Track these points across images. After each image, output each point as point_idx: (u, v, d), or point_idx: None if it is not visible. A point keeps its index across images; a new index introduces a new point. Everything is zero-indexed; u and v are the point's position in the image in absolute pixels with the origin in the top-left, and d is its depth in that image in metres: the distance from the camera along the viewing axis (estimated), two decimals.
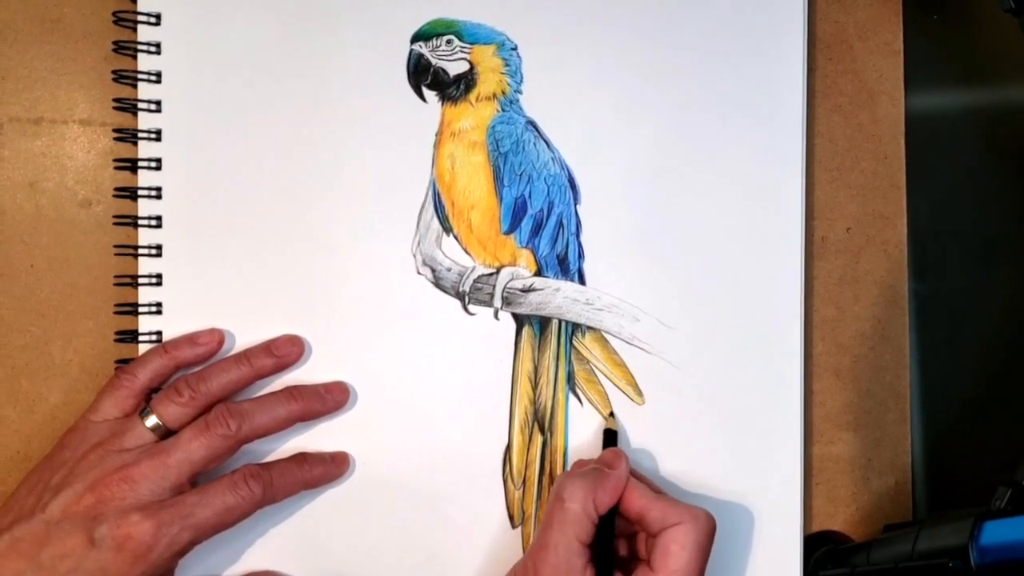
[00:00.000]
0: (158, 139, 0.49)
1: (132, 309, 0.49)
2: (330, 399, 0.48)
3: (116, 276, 0.49)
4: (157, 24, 0.49)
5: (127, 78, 0.49)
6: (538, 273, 0.51)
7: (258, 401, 0.47)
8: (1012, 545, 0.42)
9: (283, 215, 0.49)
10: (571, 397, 0.51)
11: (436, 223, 0.50)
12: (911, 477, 0.54)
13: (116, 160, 0.49)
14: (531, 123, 0.51)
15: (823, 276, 0.54)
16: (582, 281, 0.51)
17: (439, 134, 0.50)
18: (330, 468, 0.48)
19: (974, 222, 0.56)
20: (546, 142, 0.51)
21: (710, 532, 0.44)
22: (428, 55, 0.50)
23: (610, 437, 0.49)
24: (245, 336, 0.49)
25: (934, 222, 0.55)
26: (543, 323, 0.51)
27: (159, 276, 0.49)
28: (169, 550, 0.43)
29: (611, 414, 0.50)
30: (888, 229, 0.54)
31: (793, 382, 0.51)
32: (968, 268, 0.56)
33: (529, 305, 0.50)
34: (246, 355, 0.47)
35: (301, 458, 0.48)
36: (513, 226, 0.51)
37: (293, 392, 0.47)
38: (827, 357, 0.53)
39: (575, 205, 0.51)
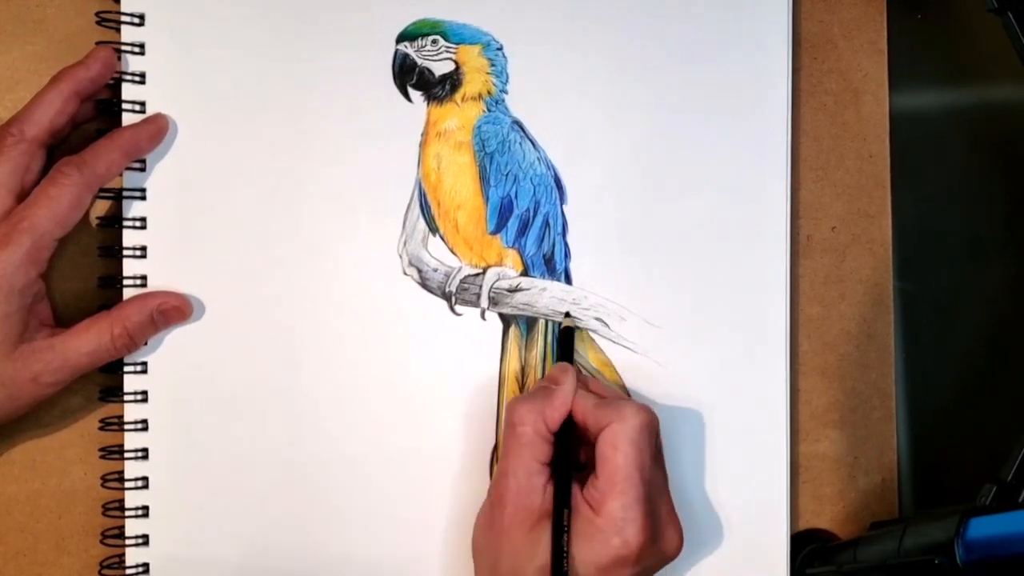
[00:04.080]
0: None
1: None
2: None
3: (100, 277, 0.49)
4: (141, 24, 0.48)
5: (111, 79, 0.48)
6: (524, 273, 0.51)
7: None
8: (997, 541, 0.42)
9: (268, 215, 0.49)
10: None
11: (422, 223, 0.50)
12: (897, 475, 0.54)
13: None
14: (517, 123, 0.50)
15: (808, 275, 0.54)
16: (568, 281, 0.51)
17: (425, 134, 0.50)
18: (140, 128, 0.47)
19: (959, 221, 0.56)
20: (532, 142, 0.51)
21: (642, 425, 0.43)
22: (413, 55, 0.50)
23: (567, 336, 0.49)
24: (231, 336, 0.49)
25: (919, 221, 0.55)
26: (530, 323, 0.51)
27: (144, 278, 0.48)
28: (11, 262, 0.43)
29: (567, 314, 0.50)
30: (873, 228, 0.54)
31: (779, 380, 0.51)
32: (953, 267, 0.56)
33: (516, 305, 0.50)
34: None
35: (110, 132, 0.47)
36: (499, 226, 0.50)
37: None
38: (813, 356, 0.54)
39: (561, 205, 0.51)
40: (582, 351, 0.51)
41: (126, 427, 0.48)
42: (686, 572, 0.51)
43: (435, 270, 0.50)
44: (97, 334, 0.46)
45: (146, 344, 0.48)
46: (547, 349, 0.51)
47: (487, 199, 0.50)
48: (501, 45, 0.50)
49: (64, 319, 0.48)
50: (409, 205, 0.50)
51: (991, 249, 0.56)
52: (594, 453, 0.45)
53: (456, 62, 0.50)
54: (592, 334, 0.51)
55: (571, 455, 0.45)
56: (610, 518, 0.42)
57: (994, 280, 0.56)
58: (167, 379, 0.49)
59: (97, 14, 0.48)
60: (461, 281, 0.50)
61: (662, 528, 0.44)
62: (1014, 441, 0.46)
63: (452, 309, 0.50)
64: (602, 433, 0.43)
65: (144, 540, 0.48)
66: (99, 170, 0.46)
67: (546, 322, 0.51)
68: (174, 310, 0.48)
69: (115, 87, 0.48)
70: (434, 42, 0.50)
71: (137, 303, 0.47)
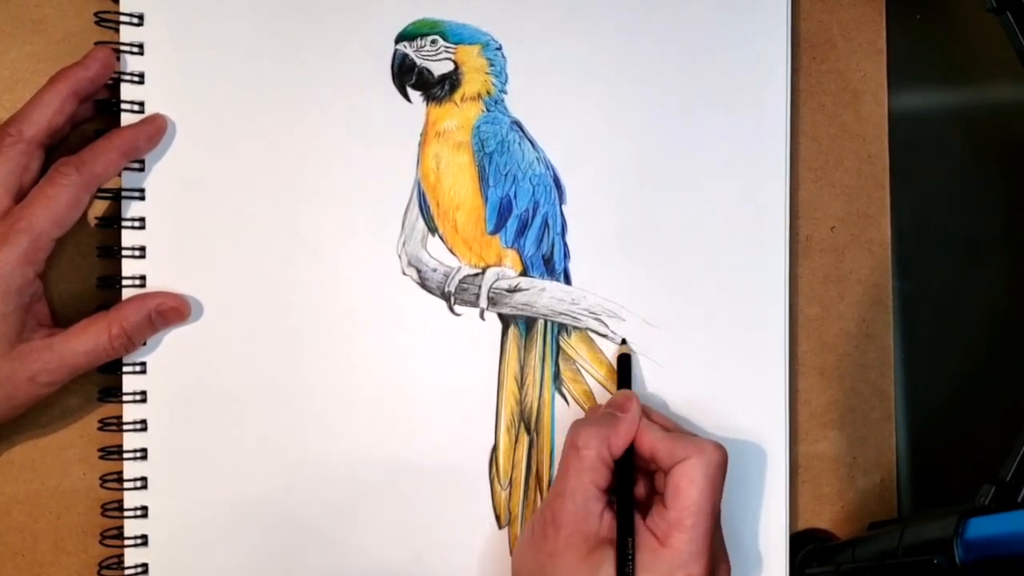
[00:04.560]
0: None
1: None
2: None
3: (99, 277, 0.49)
4: (140, 24, 0.48)
5: (110, 79, 0.48)
6: (524, 273, 0.51)
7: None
8: (996, 541, 0.42)
9: (268, 216, 0.49)
10: (557, 397, 0.51)
11: (421, 223, 0.50)
12: (896, 475, 0.54)
13: None
14: (516, 123, 0.50)
15: (807, 275, 0.54)
16: (568, 281, 0.51)
17: (424, 134, 0.50)
18: (138, 128, 0.47)
19: (958, 221, 0.56)
20: (531, 142, 0.51)
21: (719, 463, 0.44)
22: (413, 55, 0.50)
23: (624, 363, 0.49)
24: (230, 337, 0.49)
25: (918, 221, 0.55)
26: (529, 323, 0.51)
27: (143, 278, 0.48)
28: (8, 262, 0.44)
29: (624, 341, 0.50)
30: (872, 228, 0.54)
31: (778, 380, 0.51)
32: (952, 266, 0.56)
33: (515, 305, 0.50)
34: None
35: (108, 132, 0.47)
36: (498, 226, 0.50)
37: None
38: (812, 356, 0.54)
39: (560, 205, 0.51)
40: (581, 351, 0.51)
41: (125, 427, 0.48)
42: None
43: (434, 270, 0.50)
44: (95, 334, 0.46)
45: (144, 344, 0.48)
46: (546, 349, 0.51)
47: (486, 199, 0.50)
48: (500, 45, 0.50)
49: (63, 319, 0.48)
50: (408, 205, 0.50)
51: (990, 249, 0.56)
52: (652, 485, 0.45)
53: (455, 62, 0.50)
54: (591, 334, 0.51)
55: (632, 484, 0.45)
56: (676, 551, 0.42)
57: (993, 280, 0.56)
58: (166, 379, 0.48)
59: (96, 14, 0.48)
60: (460, 281, 0.50)
61: (718, 564, 0.44)
62: (1013, 441, 0.46)
63: (451, 309, 0.50)
64: (679, 466, 0.43)
65: (143, 540, 0.48)
66: (97, 170, 0.46)
67: (545, 322, 0.51)
68: (172, 311, 0.48)
69: (114, 87, 0.48)
70: (433, 42, 0.50)
71: (135, 303, 0.47)
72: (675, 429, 0.47)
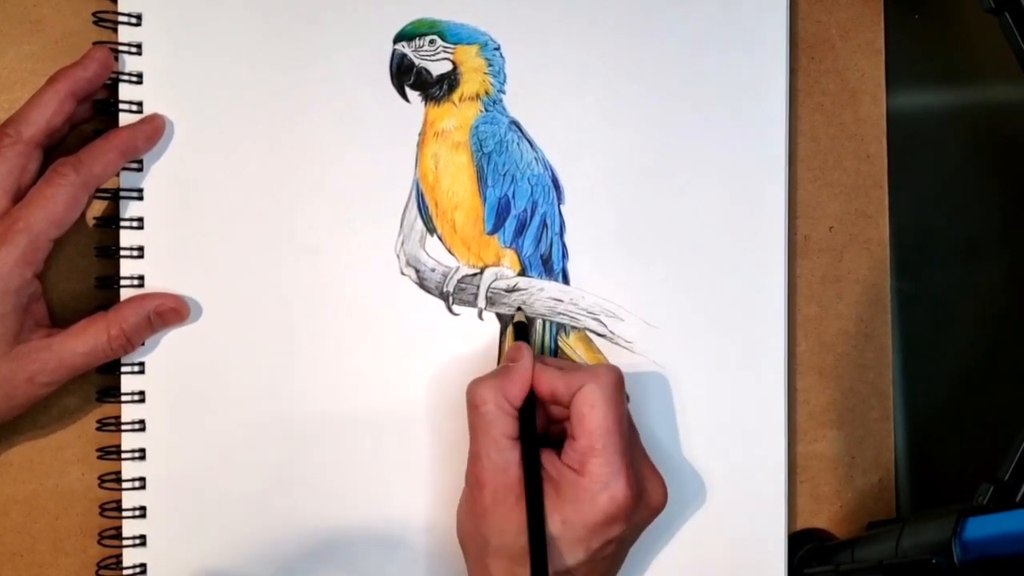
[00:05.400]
0: None
1: None
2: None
3: (97, 278, 0.49)
4: (138, 25, 0.48)
5: (108, 79, 0.48)
6: (522, 273, 0.51)
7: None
8: (995, 541, 0.42)
9: (266, 215, 0.49)
10: None
11: (420, 223, 0.50)
12: (894, 474, 0.54)
13: None
14: (514, 123, 0.50)
15: (806, 275, 0.54)
16: (566, 281, 0.51)
17: (422, 134, 0.50)
18: (136, 128, 0.47)
19: (956, 221, 0.56)
20: (529, 142, 0.51)
21: (615, 382, 0.44)
22: (411, 55, 0.50)
23: (521, 331, 0.49)
24: (229, 337, 0.49)
25: (916, 221, 0.55)
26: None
27: (141, 278, 0.48)
28: (6, 263, 0.44)
29: (519, 308, 0.50)
30: (871, 228, 0.54)
31: (777, 380, 0.51)
32: (950, 266, 0.56)
33: (513, 305, 0.50)
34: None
35: (106, 133, 0.47)
36: (497, 226, 0.50)
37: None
38: (810, 355, 0.54)
39: (559, 205, 0.51)
40: (579, 351, 0.51)
41: (123, 427, 0.48)
42: (683, 571, 0.51)
43: (433, 270, 0.50)
44: (94, 335, 0.46)
45: (143, 345, 0.48)
46: (544, 349, 0.51)
47: (485, 199, 0.50)
48: (499, 45, 0.50)
49: (61, 320, 0.48)
50: (407, 205, 0.50)
51: (988, 249, 0.56)
52: (560, 427, 0.45)
53: (453, 62, 0.50)
54: (590, 334, 0.51)
55: (535, 426, 0.45)
56: (594, 476, 0.43)
57: (991, 279, 0.56)
58: (165, 379, 0.48)
59: (94, 14, 0.48)
60: (459, 281, 0.50)
61: (644, 482, 0.45)
62: (1011, 440, 0.46)
63: (450, 309, 0.50)
64: (577, 395, 0.44)
65: (142, 540, 0.48)
66: (96, 170, 0.46)
67: (543, 322, 0.51)
68: (171, 312, 0.48)
69: (112, 87, 0.48)
70: (431, 42, 0.50)
71: (134, 304, 0.47)
72: (571, 367, 0.47)
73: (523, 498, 0.43)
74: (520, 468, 0.44)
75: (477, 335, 0.50)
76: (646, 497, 0.45)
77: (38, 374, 0.45)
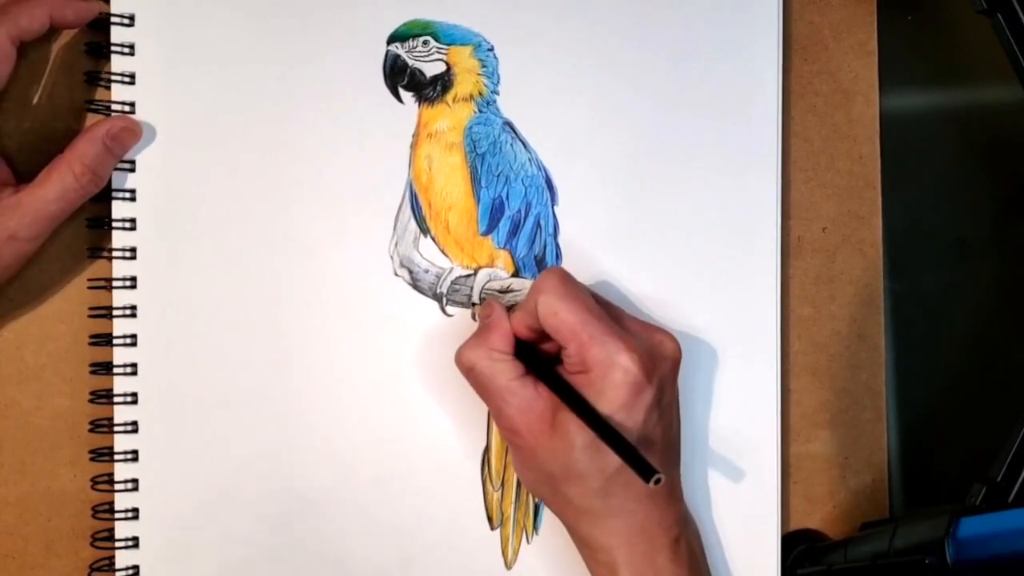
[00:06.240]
0: None
1: (107, 312, 0.48)
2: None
3: (90, 280, 0.49)
4: (131, 25, 0.48)
5: (100, 80, 0.48)
6: (516, 274, 0.51)
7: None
8: (987, 541, 0.43)
9: (258, 216, 0.49)
10: None
11: (413, 224, 0.50)
12: (887, 475, 0.54)
13: None
14: (508, 124, 0.50)
15: (799, 275, 0.54)
16: None
17: (416, 135, 0.50)
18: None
19: (948, 221, 0.56)
20: (523, 143, 0.51)
21: (560, 278, 0.45)
22: (405, 56, 0.50)
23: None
24: (222, 338, 0.49)
25: (909, 221, 0.55)
26: None
27: (133, 279, 0.48)
28: None
29: (478, 302, 0.50)
30: (863, 228, 0.54)
31: (770, 381, 0.51)
32: (943, 267, 0.56)
33: (507, 306, 0.50)
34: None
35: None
36: (490, 227, 0.50)
37: None
38: (803, 356, 0.54)
39: (552, 206, 0.51)
40: None
41: (116, 429, 0.48)
42: None
43: (426, 271, 0.50)
44: (59, 178, 0.46)
45: (109, 179, 0.47)
46: None
47: (478, 200, 0.50)
48: (492, 46, 0.50)
49: (59, 320, 0.48)
50: (400, 206, 0.50)
51: (980, 249, 0.56)
52: (559, 355, 0.46)
53: (447, 63, 0.50)
54: None
55: (542, 356, 0.46)
56: (598, 363, 0.43)
57: (983, 280, 0.56)
58: (157, 381, 0.48)
59: None
60: (452, 282, 0.50)
61: (646, 338, 0.45)
62: (1004, 441, 0.46)
63: (443, 310, 0.50)
64: (538, 314, 0.44)
65: (134, 542, 0.48)
66: (22, 22, 0.45)
67: None
68: (124, 131, 0.47)
69: (106, 85, 0.48)
70: (425, 43, 0.50)
71: (86, 137, 0.47)
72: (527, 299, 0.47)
73: (556, 419, 0.44)
74: (538, 396, 0.44)
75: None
76: (656, 351, 0.45)
77: (18, 230, 0.45)
